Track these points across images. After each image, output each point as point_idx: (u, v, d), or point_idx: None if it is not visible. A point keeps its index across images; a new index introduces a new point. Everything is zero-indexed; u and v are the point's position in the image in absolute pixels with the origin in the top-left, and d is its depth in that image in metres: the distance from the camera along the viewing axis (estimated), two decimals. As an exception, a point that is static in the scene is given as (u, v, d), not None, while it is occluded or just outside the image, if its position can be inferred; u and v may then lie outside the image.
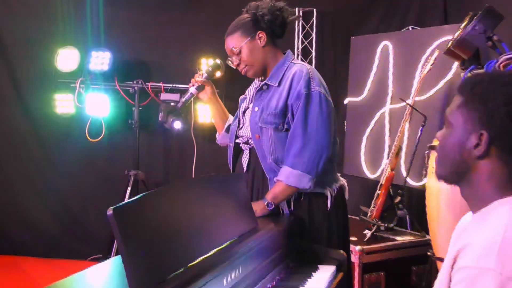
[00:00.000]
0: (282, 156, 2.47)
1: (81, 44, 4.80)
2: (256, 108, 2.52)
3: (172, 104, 4.51)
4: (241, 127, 2.63)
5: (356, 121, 4.74)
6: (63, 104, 4.81)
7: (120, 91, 4.78)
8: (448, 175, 1.43)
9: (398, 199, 3.71)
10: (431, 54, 3.83)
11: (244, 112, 2.64)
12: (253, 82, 2.71)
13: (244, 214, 2.08)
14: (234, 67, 2.61)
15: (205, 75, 2.71)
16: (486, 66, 2.61)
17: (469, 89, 1.39)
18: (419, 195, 4.01)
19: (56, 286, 1.53)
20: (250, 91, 2.69)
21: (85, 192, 5.10)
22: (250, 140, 2.57)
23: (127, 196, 4.47)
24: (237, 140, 2.64)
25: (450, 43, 2.98)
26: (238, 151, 2.66)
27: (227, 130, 2.76)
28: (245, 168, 2.60)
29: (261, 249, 2.00)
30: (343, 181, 2.62)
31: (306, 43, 5.05)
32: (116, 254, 4.24)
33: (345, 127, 4.87)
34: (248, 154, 2.60)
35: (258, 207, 2.37)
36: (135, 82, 4.75)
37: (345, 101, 4.86)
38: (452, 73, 3.88)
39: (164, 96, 4.74)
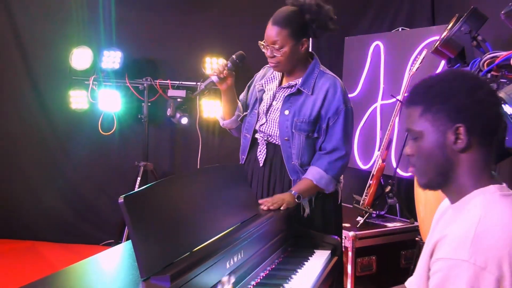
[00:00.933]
0: (307, 160, 2.47)
1: (94, 44, 4.79)
2: (287, 112, 2.46)
3: (179, 99, 4.52)
4: (263, 124, 2.55)
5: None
6: (77, 100, 4.81)
7: (131, 87, 4.78)
8: (433, 180, 1.40)
9: (388, 188, 3.71)
10: (419, 53, 3.82)
11: (268, 109, 2.54)
12: (272, 76, 2.60)
13: (246, 202, 2.08)
14: (263, 51, 2.45)
15: (230, 65, 2.51)
16: (471, 64, 2.60)
17: (423, 96, 1.37)
18: (408, 184, 4.01)
19: (72, 268, 1.53)
20: (269, 84, 2.59)
21: (98, 182, 5.11)
22: (270, 138, 2.53)
23: (137, 186, 4.47)
24: (256, 135, 2.58)
25: (437, 43, 2.96)
26: (253, 142, 2.61)
27: (242, 119, 2.66)
28: (261, 163, 2.55)
29: (261, 234, 2.00)
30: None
31: (303, 43, 5.02)
32: (127, 239, 4.25)
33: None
34: (265, 150, 2.54)
35: (289, 199, 2.33)
36: (144, 79, 4.75)
37: (340, 97, 4.84)
38: (439, 71, 3.87)
39: (171, 92, 4.74)
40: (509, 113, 1.94)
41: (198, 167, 4.83)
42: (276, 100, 2.53)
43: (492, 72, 2.37)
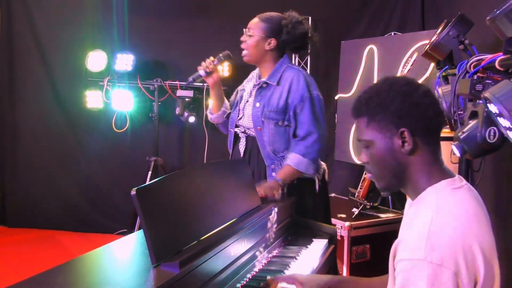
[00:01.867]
0: (279, 147, 2.51)
1: (108, 48, 4.80)
2: (258, 104, 2.53)
3: (187, 99, 4.53)
4: (241, 118, 2.63)
5: (345, 114, 4.73)
6: (92, 99, 4.83)
7: (142, 88, 4.79)
8: (390, 183, 1.40)
9: (381, 181, 3.71)
10: (410, 56, 3.82)
11: (245, 105, 2.63)
12: (251, 77, 2.72)
13: (249, 194, 2.08)
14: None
15: (216, 61, 2.63)
16: (458, 66, 2.59)
17: (365, 108, 1.37)
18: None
19: (88, 256, 1.54)
20: (248, 84, 2.69)
21: (112, 175, 5.12)
22: (247, 130, 2.60)
23: (148, 179, 4.48)
24: (236, 129, 2.65)
25: (427, 46, 2.96)
26: (236, 137, 2.69)
27: (227, 116, 2.75)
28: (241, 154, 2.63)
29: (263, 224, 2.00)
30: (324, 165, 2.68)
31: (302, 46, 5.02)
32: (139, 229, 4.26)
33: (335, 119, 4.86)
34: (245, 142, 2.62)
35: (276, 186, 2.39)
36: (154, 80, 4.76)
37: (336, 97, 4.84)
38: (429, 73, 3.86)
39: (180, 92, 4.75)
40: (493, 112, 1.94)
41: (205, 161, 4.84)
42: (251, 96, 2.61)
43: (478, 74, 2.37)
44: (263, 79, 2.56)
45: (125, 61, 4.70)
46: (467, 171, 2.84)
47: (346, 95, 4.71)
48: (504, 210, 3.04)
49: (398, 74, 4.01)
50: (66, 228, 5.05)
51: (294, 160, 2.46)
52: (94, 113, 4.93)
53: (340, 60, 4.82)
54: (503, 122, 1.92)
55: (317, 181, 2.57)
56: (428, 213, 1.26)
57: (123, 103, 4.76)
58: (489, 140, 2.19)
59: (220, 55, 2.65)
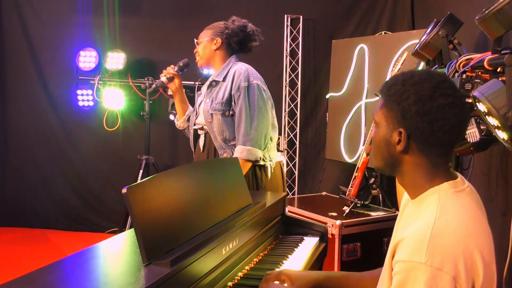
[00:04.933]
0: (229, 136, 2.68)
1: (99, 46, 4.79)
2: (208, 100, 2.72)
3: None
4: (197, 117, 2.82)
5: (337, 113, 4.74)
6: (83, 98, 4.82)
7: (133, 87, 4.78)
8: (382, 168, 1.38)
9: (372, 180, 3.72)
10: (400, 55, 3.83)
11: (199, 105, 2.82)
12: (206, 81, 2.89)
13: (240, 192, 2.08)
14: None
15: (176, 68, 2.90)
16: (447, 66, 2.61)
17: (386, 90, 1.34)
18: (390, 177, 4.02)
19: (80, 254, 1.53)
20: (204, 89, 2.86)
21: (104, 174, 5.11)
22: (204, 126, 2.77)
23: (139, 178, 4.47)
24: (194, 127, 2.84)
25: (417, 46, 2.97)
26: (196, 135, 2.86)
27: (188, 119, 2.95)
28: (201, 149, 2.80)
29: (255, 223, 2.00)
30: (281, 158, 2.83)
31: (293, 45, 5.03)
32: (130, 227, 4.25)
33: (327, 118, 4.87)
34: (204, 138, 2.80)
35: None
36: (146, 79, 4.75)
37: (327, 96, 4.85)
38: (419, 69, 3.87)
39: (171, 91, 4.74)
40: (482, 111, 1.96)
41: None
42: (204, 97, 2.80)
43: (467, 73, 2.38)
44: (212, 78, 2.75)
45: (116, 60, 4.69)
46: (456, 169, 2.86)
47: (337, 94, 4.72)
48: (493, 208, 3.06)
49: (389, 73, 4.02)
50: (57, 227, 5.03)
51: (237, 151, 2.61)
52: (85, 111, 4.91)
53: (331, 59, 4.83)
54: (491, 120, 1.94)
55: (269, 168, 2.69)
56: (430, 215, 1.23)
57: (114, 102, 4.75)
58: None
59: (180, 62, 2.92)
